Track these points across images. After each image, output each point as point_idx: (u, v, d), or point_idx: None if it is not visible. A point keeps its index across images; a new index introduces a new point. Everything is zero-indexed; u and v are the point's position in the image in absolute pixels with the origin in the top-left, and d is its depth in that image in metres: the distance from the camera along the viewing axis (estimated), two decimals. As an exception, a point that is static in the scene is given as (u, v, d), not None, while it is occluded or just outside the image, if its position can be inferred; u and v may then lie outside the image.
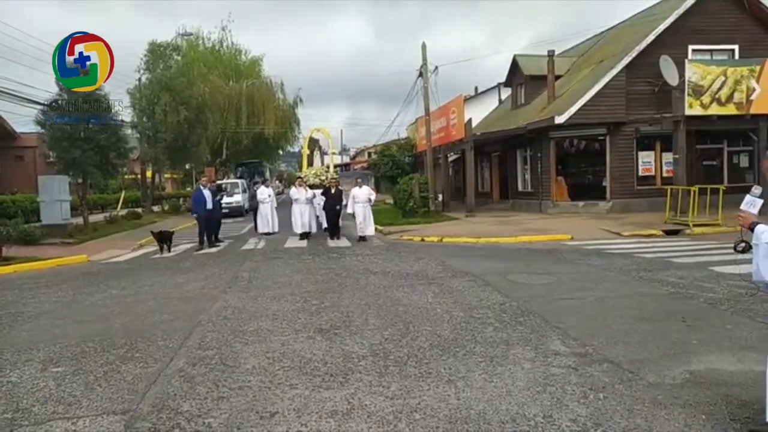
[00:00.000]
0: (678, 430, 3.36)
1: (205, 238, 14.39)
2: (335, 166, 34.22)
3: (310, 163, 26.11)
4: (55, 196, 17.14)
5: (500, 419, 3.58)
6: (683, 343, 5.04)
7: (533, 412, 3.67)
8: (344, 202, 15.30)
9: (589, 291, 7.42)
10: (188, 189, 43.20)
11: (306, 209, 15.64)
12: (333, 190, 15.25)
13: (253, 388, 4.27)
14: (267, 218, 17.23)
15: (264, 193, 17.45)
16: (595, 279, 8.28)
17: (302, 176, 17.81)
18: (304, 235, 15.28)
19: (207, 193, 14.49)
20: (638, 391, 3.97)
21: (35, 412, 3.98)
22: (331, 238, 14.97)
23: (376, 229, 15.81)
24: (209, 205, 14.39)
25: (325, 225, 15.99)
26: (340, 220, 15.76)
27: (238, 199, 27.12)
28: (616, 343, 5.08)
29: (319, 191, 15.91)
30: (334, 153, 30.92)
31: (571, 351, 4.90)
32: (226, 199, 25.86)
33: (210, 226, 14.66)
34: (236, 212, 25.89)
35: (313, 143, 31.52)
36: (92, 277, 10.46)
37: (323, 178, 17.57)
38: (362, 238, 14.45)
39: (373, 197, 15.28)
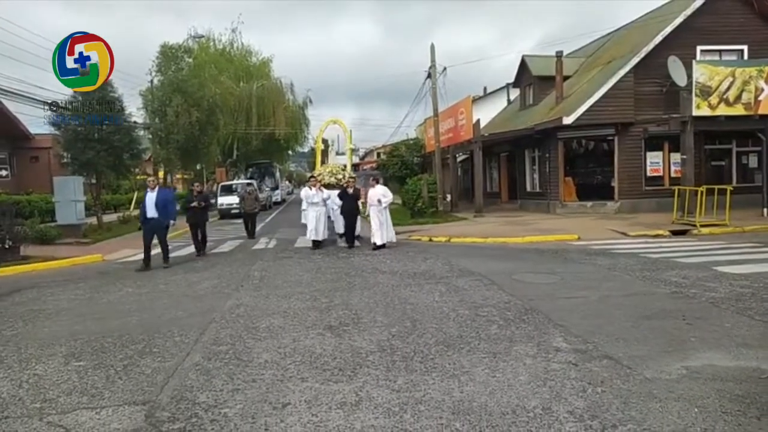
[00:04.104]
0: (671, 422, 3.52)
1: (173, 253, 12.40)
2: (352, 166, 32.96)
3: (323, 161, 25.33)
4: (69, 196, 17.49)
5: (501, 411, 3.75)
6: (682, 341, 5.18)
7: (533, 404, 3.84)
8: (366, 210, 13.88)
9: (592, 290, 7.56)
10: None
11: (322, 213, 13.86)
12: (351, 191, 13.68)
13: (266, 381, 4.48)
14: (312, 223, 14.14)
15: (312, 196, 14.10)
16: (600, 278, 8.41)
17: (316, 175, 15.89)
18: (317, 244, 13.60)
19: (151, 197, 11.54)
20: (635, 385, 4.12)
21: (61, 403, 4.22)
22: (349, 246, 13.47)
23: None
24: (149, 213, 11.46)
25: (340, 230, 14.30)
26: (358, 225, 14.12)
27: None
28: (616, 340, 5.23)
29: (334, 192, 14.08)
30: (351, 148, 29.80)
31: (572, 348, 5.06)
32: (233, 200, 26.09)
33: (155, 237, 11.68)
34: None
35: (324, 142, 31.13)
36: (108, 276, 10.75)
37: (339, 177, 15.64)
38: (377, 246, 12.82)
39: (385, 199, 13.13)
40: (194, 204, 13.58)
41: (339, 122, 25.81)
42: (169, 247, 12.25)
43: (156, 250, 11.77)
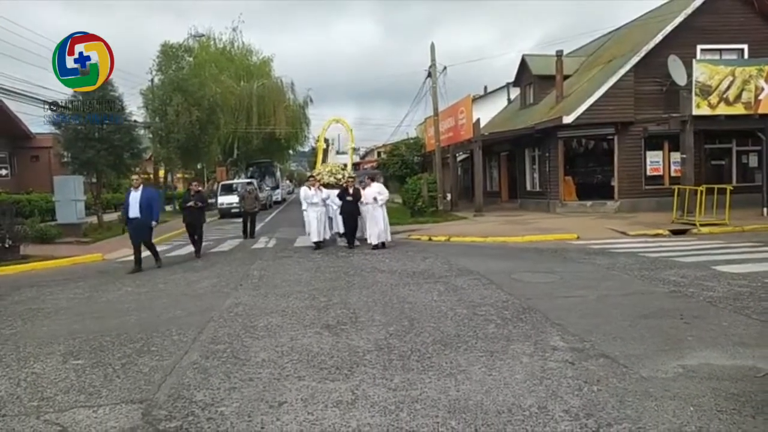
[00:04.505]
0: (666, 421, 3.52)
1: (158, 256, 11.76)
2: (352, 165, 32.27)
3: (324, 160, 24.97)
4: (70, 195, 17.52)
5: (497, 409, 3.76)
6: (679, 340, 5.19)
7: (529, 402, 3.85)
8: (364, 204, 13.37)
9: (591, 289, 7.56)
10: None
11: (323, 214, 13.67)
12: (351, 191, 13.43)
13: (263, 379, 4.49)
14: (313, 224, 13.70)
15: (311, 197, 13.80)
16: (598, 278, 8.41)
17: (315, 174, 15.51)
18: (319, 244, 13.42)
19: (135, 196, 11.07)
20: (631, 384, 4.13)
21: (59, 401, 4.23)
22: (350, 246, 13.34)
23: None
24: (133, 213, 11.04)
25: (338, 230, 14.19)
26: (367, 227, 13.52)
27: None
28: (613, 339, 5.24)
29: (334, 192, 13.90)
30: (353, 147, 29.47)
31: (569, 346, 5.07)
32: (233, 199, 26.04)
33: (138, 238, 11.25)
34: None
35: (326, 141, 30.56)
36: (107, 275, 10.76)
37: (339, 176, 15.29)
38: (375, 246, 12.82)
39: (381, 197, 13.06)
40: (190, 204, 13.12)
41: (342, 121, 25.47)
42: (169, 247, 12.25)
43: (146, 253, 11.67)
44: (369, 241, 13.03)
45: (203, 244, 13.65)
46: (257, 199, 18.15)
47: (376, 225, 12.90)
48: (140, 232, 11.23)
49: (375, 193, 13.10)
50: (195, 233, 13.13)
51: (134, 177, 12.12)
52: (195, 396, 4.19)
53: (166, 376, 4.66)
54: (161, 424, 3.74)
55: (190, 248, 13.62)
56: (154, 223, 11.46)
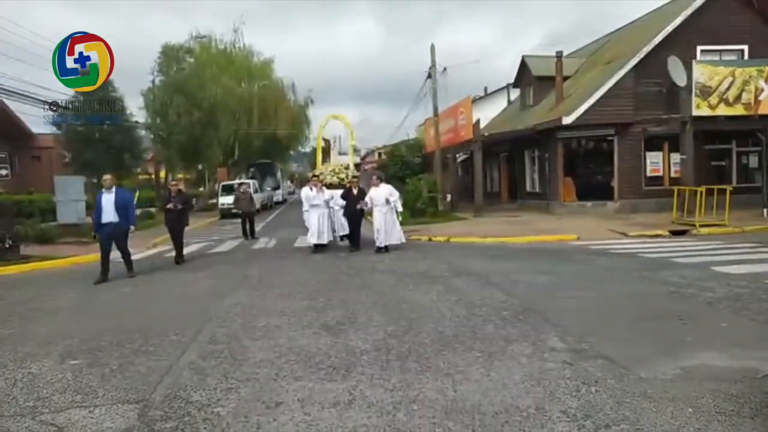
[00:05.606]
0: (664, 422, 3.51)
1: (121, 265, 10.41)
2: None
3: (324, 160, 24.53)
4: (71, 196, 17.57)
5: (494, 410, 3.75)
6: (678, 341, 5.17)
7: (526, 404, 3.84)
8: (369, 206, 12.77)
9: (591, 290, 7.54)
10: (200, 189, 43.64)
11: (325, 215, 13.15)
12: (355, 191, 12.91)
13: (260, 380, 4.47)
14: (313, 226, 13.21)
15: (313, 198, 13.35)
16: (598, 278, 8.40)
17: (317, 174, 14.74)
18: (320, 247, 12.94)
19: (108, 198, 10.01)
20: (629, 385, 4.11)
21: (55, 401, 4.22)
22: (352, 249, 12.90)
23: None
24: (107, 217, 9.97)
25: (341, 232, 13.59)
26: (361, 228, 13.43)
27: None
28: (612, 341, 5.22)
29: (337, 192, 13.36)
30: (354, 146, 29.05)
31: (568, 347, 5.05)
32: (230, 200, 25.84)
33: (110, 245, 10.11)
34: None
35: (326, 141, 29.75)
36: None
37: (342, 176, 14.63)
38: (380, 249, 12.33)
39: (394, 198, 12.65)
40: (170, 205, 11.96)
41: (341, 118, 25.16)
42: (168, 247, 12.18)
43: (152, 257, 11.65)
44: (377, 244, 12.46)
45: (197, 247, 13.49)
46: (252, 200, 17.89)
47: (384, 227, 12.34)
48: (116, 239, 10.15)
49: (386, 194, 12.54)
50: (174, 238, 12.12)
51: (106, 177, 10.58)
52: (192, 396, 4.18)
53: (162, 376, 4.65)
54: (157, 424, 3.72)
55: (190, 249, 13.58)
56: (132, 228, 10.48)
